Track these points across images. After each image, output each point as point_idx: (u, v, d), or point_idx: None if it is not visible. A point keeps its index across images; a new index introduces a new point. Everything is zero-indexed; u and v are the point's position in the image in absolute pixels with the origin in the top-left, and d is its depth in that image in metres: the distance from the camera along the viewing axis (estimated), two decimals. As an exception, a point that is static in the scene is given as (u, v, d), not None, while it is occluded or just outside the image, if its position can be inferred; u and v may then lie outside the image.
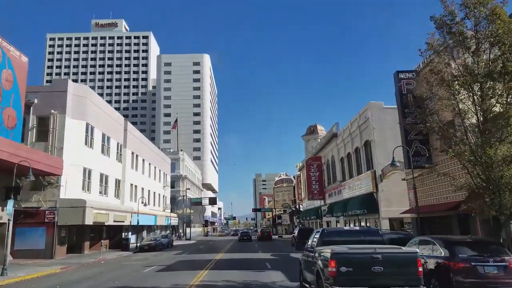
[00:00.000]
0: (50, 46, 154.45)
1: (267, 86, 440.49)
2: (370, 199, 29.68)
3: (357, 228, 14.70)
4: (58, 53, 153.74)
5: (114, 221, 34.50)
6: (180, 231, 77.43)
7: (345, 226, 36.15)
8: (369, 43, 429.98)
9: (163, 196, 60.70)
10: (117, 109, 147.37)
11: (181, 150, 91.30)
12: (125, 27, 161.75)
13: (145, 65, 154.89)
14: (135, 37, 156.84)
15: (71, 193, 29.14)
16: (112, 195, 37.23)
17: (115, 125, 38.65)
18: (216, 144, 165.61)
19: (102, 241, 36.87)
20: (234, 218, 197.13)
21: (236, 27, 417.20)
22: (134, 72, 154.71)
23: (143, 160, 48.87)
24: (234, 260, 24.34)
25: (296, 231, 39.51)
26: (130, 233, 42.06)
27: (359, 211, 30.19)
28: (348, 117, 44.81)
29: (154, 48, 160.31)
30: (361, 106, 36.58)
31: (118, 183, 39.12)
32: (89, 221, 28.61)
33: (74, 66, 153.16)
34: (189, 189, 73.34)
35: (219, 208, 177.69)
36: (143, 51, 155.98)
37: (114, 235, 39.87)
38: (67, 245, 29.77)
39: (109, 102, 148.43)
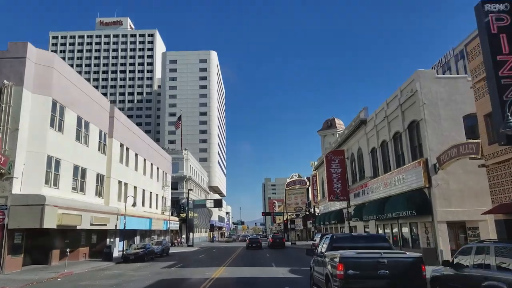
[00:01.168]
0: (53, 44, 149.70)
1: (278, 85, 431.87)
2: (419, 197, 22.49)
3: (365, 234, 13.78)
4: (61, 51, 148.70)
5: (92, 224, 27.78)
6: (183, 236, 70.69)
7: (365, 232, 32.91)
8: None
9: (162, 197, 53.98)
10: (121, 109, 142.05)
11: (185, 149, 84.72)
12: (130, 26, 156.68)
13: (151, 63, 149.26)
14: (140, 35, 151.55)
15: (30, 187, 22.47)
16: (92, 193, 30.52)
17: (96, 108, 32.03)
18: (224, 146, 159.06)
19: (79, 249, 30.26)
20: (243, 223, 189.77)
21: (244, 24, 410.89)
22: (139, 71, 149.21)
23: (136, 154, 42.22)
24: (238, 280, 17.31)
25: (317, 238, 32.46)
26: (117, 239, 35.32)
27: (404, 213, 22.97)
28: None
29: (160, 47, 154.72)
30: (380, 98, 29.47)
31: (101, 179, 32.43)
32: (50, 223, 21.91)
33: (77, 65, 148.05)
34: (191, 189, 66.52)
35: (227, 213, 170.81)
36: (148, 49, 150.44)
37: (98, 242, 33.17)
38: (24, 254, 23.00)
39: (113, 101, 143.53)
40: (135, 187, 41.39)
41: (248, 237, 61.39)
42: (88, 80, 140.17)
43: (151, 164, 48.42)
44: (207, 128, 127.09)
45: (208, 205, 64.44)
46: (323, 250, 11.64)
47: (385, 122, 28.32)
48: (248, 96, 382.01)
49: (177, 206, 74.26)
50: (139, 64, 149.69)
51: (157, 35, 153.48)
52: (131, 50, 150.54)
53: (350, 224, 39.17)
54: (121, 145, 37.58)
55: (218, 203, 59.94)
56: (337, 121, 57.52)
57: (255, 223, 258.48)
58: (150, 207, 47.40)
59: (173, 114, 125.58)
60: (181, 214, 68.96)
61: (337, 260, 9.19)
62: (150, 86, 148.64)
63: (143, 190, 44.41)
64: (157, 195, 50.73)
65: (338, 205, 43.13)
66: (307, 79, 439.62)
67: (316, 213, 60.57)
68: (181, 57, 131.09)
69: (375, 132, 30.63)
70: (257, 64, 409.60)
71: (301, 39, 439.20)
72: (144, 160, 45.42)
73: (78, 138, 28.33)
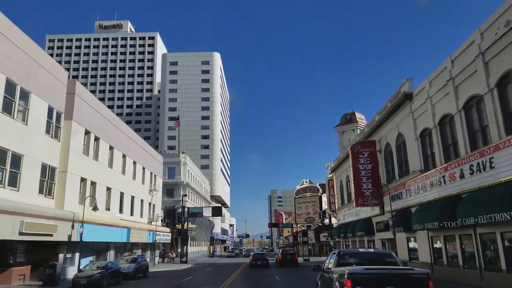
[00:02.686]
0: (49, 48, 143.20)
1: (284, 89, 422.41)
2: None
3: (372, 250, 12.59)
4: (57, 55, 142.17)
5: (22, 233, 19.07)
6: (179, 251, 61.65)
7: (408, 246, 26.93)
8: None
9: (150, 204, 45.19)
10: (120, 114, 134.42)
11: (183, 153, 76.20)
12: (130, 29, 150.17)
13: (151, 67, 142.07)
14: (140, 38, 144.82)
15: None
16: (33, 191, 21.90)
17: (44, 76, 23.61)
18: (227, 154, 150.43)
19: (13, 268, 21.55)
20: (248, 236, 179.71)
21: (248, 26, 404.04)
22: (139, 75, 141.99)
23: (112, 148, 33.66)
24: None
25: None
26: (77, 254, 26.50)
27: (504, 216, 14.00)
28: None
29: (161, 50, 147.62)
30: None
31: (50, 172, 23.82)
32: None
33: (74, 69, 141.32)
34: (185, 195, 57.64)
35: (231, 225, 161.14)
36: (149, 52, 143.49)
37: (47, 258, 24.34)
38: None
39: (111, 107, 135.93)
40: (108, 188, 32.70)
41: (252, 252, 52.06)
42: (85, 85, 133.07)
43: (134, 163, 39.79)
44: (209, 134, 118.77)
45: (206, 214, 55.38)
46: (330, 266, 11.45)
47: (448, 88, 19.50)
48: (253, 103, 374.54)
49: (172, 216, 65.50)
50: (139, 68, 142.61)
51: (158, 38, 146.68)
52: (130, 53, 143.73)
53: (384, 236, 30.11)
54: (87, 133, 29.03)
55: (217, 212, 50.95)
56: (357, 115, 48.75)
57: (261, 236, 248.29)
58: (132, 214, 38.60)
59: (173, 119, 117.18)
60: (177, 225, 60.09)
61: (345, 276, 8.90)
62: (150, 91, 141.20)
63: (121, 193, 35.70)
64: (141, 200, 41.96)
65: (365, 212, 34.13)
66: (319, 82, 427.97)
67: (332, 224, 51.37)
68: (182, 58, 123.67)
69: (428, 107, 21.81)
70: (264, 70, 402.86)
71: (311, 39, 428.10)
72: (124, 156, 36.82)
73: (5, 109, 19.81)
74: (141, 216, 41.92)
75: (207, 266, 41.20)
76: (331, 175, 50.37)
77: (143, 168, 42.97)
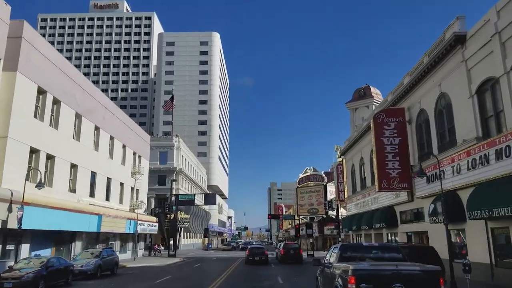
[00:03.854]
0: (41, 27, 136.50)
1: (287, 74, 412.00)
2: None
3: (377, 244, 11.71)
4: (50, 35, 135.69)
5: None
6: (171, 243, 55.87)
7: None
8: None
9: (133, 188, 39.24)
10: (114, 98, 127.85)
11: (176, 136, 70.15)
12: (126, 9, 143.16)
13: (147, 49, 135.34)
14: (136, 18, 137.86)
15: None
16: None
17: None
18: (227, 143, 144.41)
19: None
20: (246, 228, 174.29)
21: (248, 8, 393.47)
22: (134, 58, 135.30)
23: (79, 116, 27.60)
24: None
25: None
26: (23, 246, 20.60)
27: None
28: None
29: (158, 31, 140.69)
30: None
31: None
32: None
33: (67, 50, 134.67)
34: (175, 180, 51.64)
35: (229, 217, 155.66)
36: (145, 33, 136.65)
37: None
38: None
39: (105, 91, 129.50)
40: (73, 166, 26.70)
41: (250, 245, 46.32)
42: (78, 67, 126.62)
43: (112, 138, 33.75)
44: (207, 119, 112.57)
45: (198, 202, 49.44)
46: (332, 260, 10.57)
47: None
48: (254, 90, 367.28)
49: (163, 205, 59.56)
50: (134, 50, 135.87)
51: (155, 18, 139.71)
52: (126, 34, 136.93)
53: (411, 228, 24.23)
54: (42, 92, 22.94)
55: (210, 199, 44.95)
56: (372, 89, 42.52)
57: (260, 229, 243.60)
58: (108, 199, 32.67)
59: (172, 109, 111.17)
60: (168, 215, 54.21)
61: (349, 272, 8.18)
62: (146, 74, 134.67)
63: (92, 173, 29.71)
64: (121, 184, 36.00)
65: (385, 199, 28.12)
66: (323, 64, 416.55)
67: (340, 215, 45.46)
68: (179, 38, 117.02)
69: (495, 47, 15.62)
70: (265, 55, 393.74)
71: (317, 19, 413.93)
72: (97, 128, 30.77)
73: None
74: (121, 202, 35.99)
75: (196, 261, 35.33)
76: (340, 159, 44.37)
77: (124, 146, 36.93)
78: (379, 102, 41.45)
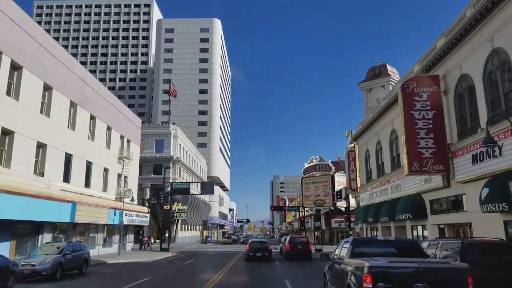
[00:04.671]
0: (37, 15, 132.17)
1: (293, 64, 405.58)
2: None
3: (393, 238, 11.24)
4: (46, 23, 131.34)
5: None
6: (167, 236, 51.87)
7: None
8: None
9: (120, 175, 35.09)
10: (112, 88, 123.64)
11: (174, 123, 65.92)
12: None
13: (146, 37, 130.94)
14: (135, 5, 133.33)
15: None
16: None
17: None
18: (228, 135, 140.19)
19: None
20: (248, 221, 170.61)
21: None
22: (133, 46, 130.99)
23: (49, 88, 23.36)
24: None
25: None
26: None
27: None
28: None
29: (157, 19, 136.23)
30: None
31: None
32: None
33: (64, 38, 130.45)
34: (168, 167, 47.47)
35: (231, 210, 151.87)
36: (144, 21, 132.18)
37: None
38: None
39: (103, 80, 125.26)
40: (41, 145, 22.48)
41: (251, 238, 42.17)
42: (75, 55, 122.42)
43: (93, 118, 29.51)
44: (208, 109, 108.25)
45: (194, 191, 45.24)
46: (343, 255, 9.51)
47: None
48: (257, 81, 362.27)
49: (158, 195, 55.44)
50: (133, 38, 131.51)
51: (155, 6, 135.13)
52: (124, 22, 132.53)
53: (445, 220, 20.01)
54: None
55: (207, 188, 40.66)
56: (389, 67, 38.07)
57: (262, 222, 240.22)
58: (88, 186, 28.51)
59: (167, 91, 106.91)
60: (165, 206, 50.16)
61: (364, 269, 7.27)
62: (145, 63, 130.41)
63: (67, 156, 25.51)
64: (105, 169, 31.82)
65: (411, 186, 23.81)
66: (330, 52, 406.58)
67: (349, 206, 41.15)
68: (178, 25, 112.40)
69: None
70: (270, 44, 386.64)
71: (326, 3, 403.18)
72: (73, 105, 26.53)
73: None
74: (105, 190, 31.83)
75: (190, 257, 31.19)
76: (352, 145, 40.00)
77: (109, 128, 32.70)
78: (396, 81, 37.09)
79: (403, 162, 21.13)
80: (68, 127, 25.77)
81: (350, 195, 41.15)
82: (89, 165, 28.71)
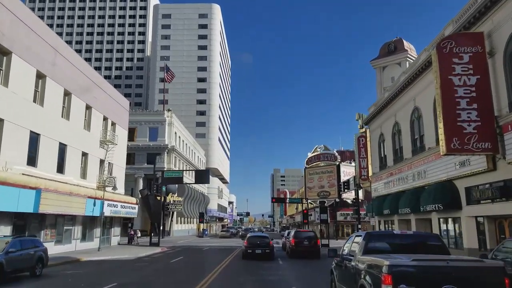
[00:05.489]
0: (30, 1, 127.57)
1: (297, 53, 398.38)
2: None
3: (411, 232, 9.43)
4: (39, 9, 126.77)
5: None
6: (161, 229, 48.12)
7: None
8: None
9: (103, 161, 31.22)
10: (108, 77, 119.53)
11: (169, 110, 61.97)
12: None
13: (143, 24, 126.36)
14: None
15: None
16: None
17: None
18: (227, 126, 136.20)
19: None
20: (248, 214, 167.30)
21: None
22: (129, 34, 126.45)
23: (5, 50, 19.38)
24: None
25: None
26: None
27: None
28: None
29: (155, 4, 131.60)
30: None
31: None
32: None
33: (58, 25, 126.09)
34: (159, 154, 43.61)
35: (230, 202, 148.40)
36: (140, 8, 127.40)
37: None
38: None
39: (98, 68, 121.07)
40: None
41: (250, 232, 38.29)
42: (70, 43, 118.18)
43: (68, 94, 25.57)
44: (206, 98, 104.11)
45: (189, 181, 41.33)
46: (354, 252, 8.39)
47: None
48: (259, 71, 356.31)
49: (152, 186, 51.61)
50: (129, 25, 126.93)
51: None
52: (121, 8, 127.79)
53: (489, 211, 16.16)
54: None
55: (202, 177, 36.78)
56: (405, 43, 34.02)
57: (262, 215, 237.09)
58: (61, 172, 24.65)
59: (165, 80, 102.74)
60: (158, 198, 46.41)
61: (383, 269, 6.25)
62: (142, 51, 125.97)
63: (33, 135, 21.62)
64: (84, 153, 27.93)
65: (441, 170, 19.93)
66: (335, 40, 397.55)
67: (358, 198, 37.36)
68: (176, 10, 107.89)
69: None
70: (273, 33, 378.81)
71: None
72: (42, 76, 22.59)
73: None
74: (84, 177, 27.99)
75: (179, 253, 27.42)
76: (363, 130, 36.09)
77: (88, 107, 28.77)
78: (414, 58, 33.08)
79: (434, 141, 17.27)
80: (34, 102, 21.85)
81: (359, 185, 37.34)
82: (62, 148, 24.83)
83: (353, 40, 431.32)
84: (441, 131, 15.98)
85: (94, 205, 26.53)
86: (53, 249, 23.36)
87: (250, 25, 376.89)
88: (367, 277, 7.01)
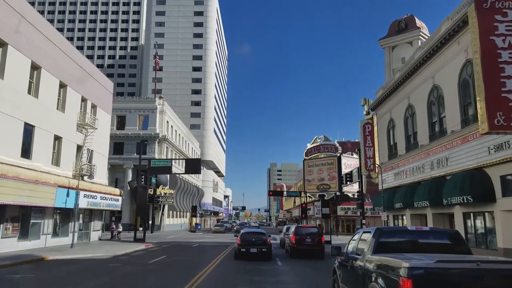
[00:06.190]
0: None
1: (296, 45, 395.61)
2: None
3: (427, 228, 7.76)
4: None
5: None
6: (150, 223, 45.04)
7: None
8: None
9: (82, 147, 27.96)
10: (101, 66, 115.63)
11: (160, 98, 58.63)
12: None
13: (137, 12, 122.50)
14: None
15: None
16: None
17: None
18: (224, 117, 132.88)
19: None
20: (244, 208, 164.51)
21: None
22: (123, 21, 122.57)
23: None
24: None
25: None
26: None
27: None
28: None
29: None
30: None
31: None
32: None
33: (49, 12, 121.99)
34: (145, 141, 40.44)
35: (226, 196, 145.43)
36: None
37: None
38: None
39: (91, 57, 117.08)
40: None
41: (245, 228, 35.16)
42: (61, 30, 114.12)
43: (36, 67, 22.26)
44: (202, 88, 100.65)
45: (176, 170, 38.13)
46: (364, 249, 7.28)
47: None
48: (256, 62, 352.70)
49: (138, 177, 48.53)
50: (123, 12, 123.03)
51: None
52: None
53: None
54: None
55: (192, 166, 33.43)
56: (417, 21, 30.85)
57: (259, 210, 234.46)
58: (27, 156, 21.40)
59: (159, 69, 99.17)
60: (150, 191, 43.35)
61: (402, 271, 5.22)
62: (136, 39, 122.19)
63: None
64: (56, 137, 24.66)
65: (471, 154, 16.88)
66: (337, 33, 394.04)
67: (362, 190, 34.36)
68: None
69: None
70: (272, 21, 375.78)
71: None
72: (2, 44, 19.25)
73: None
74: (57, 164, 24.74)
75: (164, 251, 24.30)
76: (369, 117, 32.99)
77: (63, 86, 25.45)
78: (426, 37, 29.93)
79: (459, 123, 14.21)
80: (30, 94, 18.58)
81: (362, 178, 34.33)
82: (29, 129, 21.57)
83: (350, 32, 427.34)
84: (480, 104, 12.86)
85: (68, 195, 23.35)
86: (16, 245, 20.26)
87: (248, 14, 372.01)
88: (380, 280, 6.03)
